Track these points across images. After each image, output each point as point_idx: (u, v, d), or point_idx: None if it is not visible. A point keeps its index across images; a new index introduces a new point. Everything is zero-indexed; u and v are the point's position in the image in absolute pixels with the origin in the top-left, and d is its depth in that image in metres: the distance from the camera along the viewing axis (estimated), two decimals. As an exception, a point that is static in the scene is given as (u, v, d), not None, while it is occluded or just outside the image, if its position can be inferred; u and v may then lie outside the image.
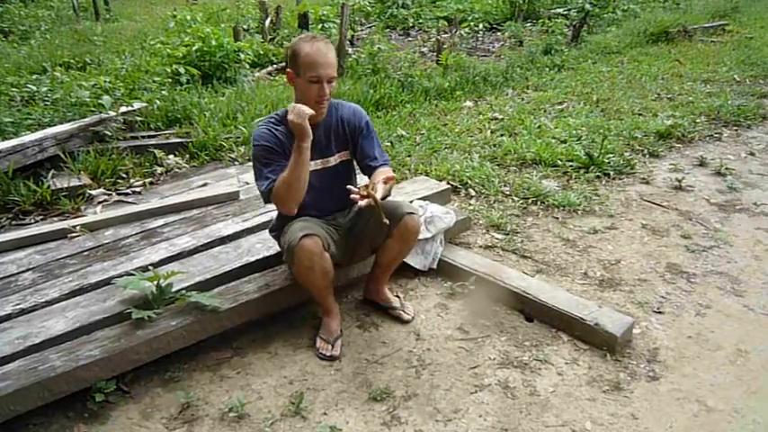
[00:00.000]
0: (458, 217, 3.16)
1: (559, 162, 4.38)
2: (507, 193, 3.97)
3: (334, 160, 2.49)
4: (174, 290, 2.54)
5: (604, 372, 2.37)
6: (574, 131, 4.99)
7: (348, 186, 2.20)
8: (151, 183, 3.75)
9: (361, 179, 2.47)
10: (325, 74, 2.26)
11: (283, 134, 2.35)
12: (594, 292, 2.90)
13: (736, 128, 5.27)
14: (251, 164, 4.18)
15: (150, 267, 2.66)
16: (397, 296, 2.79)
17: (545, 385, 2.31)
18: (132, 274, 2.55)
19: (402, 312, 2.68)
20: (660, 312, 2.75)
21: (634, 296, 2.87)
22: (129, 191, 3.61)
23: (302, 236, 2.26)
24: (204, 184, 3.70)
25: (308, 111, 2.22)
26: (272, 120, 2.41)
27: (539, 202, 3.83)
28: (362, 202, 2.10)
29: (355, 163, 2.56)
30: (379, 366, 2.41)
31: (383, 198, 2.22)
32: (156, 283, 2.48)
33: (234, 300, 2.51)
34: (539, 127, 5.17)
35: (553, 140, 4.79)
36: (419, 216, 2.46)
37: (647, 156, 4.69)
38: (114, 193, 3.58)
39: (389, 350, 2.50)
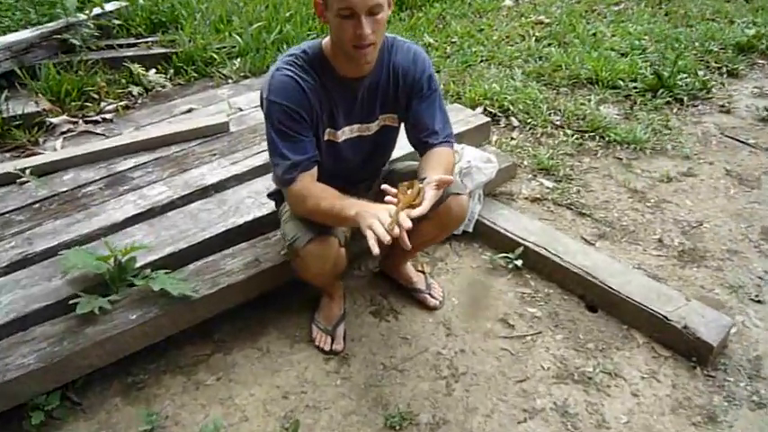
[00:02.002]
0: (501, 164, 2.49)
1: (620, 83, 3.61)
2: (558, 123, 3.25)
3: (375, 126, 1.77)
4: (138, 265, 1.98)
5: (693, 393, 1.81)
6: (636, 42, 4.15)
7: (384, 187, 1.53)
8: (126, 107, 3.09)
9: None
10: (362, 4, 1.45)
11: (314, 89, 1.61)
12: (673, 268, 2.29)
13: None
14: (245, 82, 3.52)
15: (108, 246, 2.08)
16: (422, 272, 2.20)
17: (616, 412, 1.76)
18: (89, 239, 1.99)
19: (428, 296, 2.11)
20: (759, 302, 2.14)
21: (724, 276, 2.25)
22: (98, 118, 2.97)
23: (311, 237, 1.65)
24: (189, 110, 3.04)
25: (385, 221, 1.42)
26: (298, 61, 1.61)
27: (597, 137, 3.13)
28: (395, 232, 1.40)
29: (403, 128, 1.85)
30: (398, 375, 1.87)
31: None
32: (113, 259, 1.92)
33: (213, 283, 1.94)
34: (593, 35, 4.33)
35: (612, 53, 3.97)
36: (467, 196, 1.80)
37: (725, 75, 3.87)
38: (81, 121, 2.94)
39: (412, 350, 1.95)
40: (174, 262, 2.03)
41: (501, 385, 1.83)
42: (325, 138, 1.69)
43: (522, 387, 1.83)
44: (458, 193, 1.73)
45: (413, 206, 1.45)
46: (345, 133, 1.71)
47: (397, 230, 1.37)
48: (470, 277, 2.24)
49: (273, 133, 1.60)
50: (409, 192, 1.52)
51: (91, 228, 2.18)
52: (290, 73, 1.59)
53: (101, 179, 2.49)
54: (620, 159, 2.98)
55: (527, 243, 2.24)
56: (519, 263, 2.22)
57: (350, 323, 2.04)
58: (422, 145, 1.74)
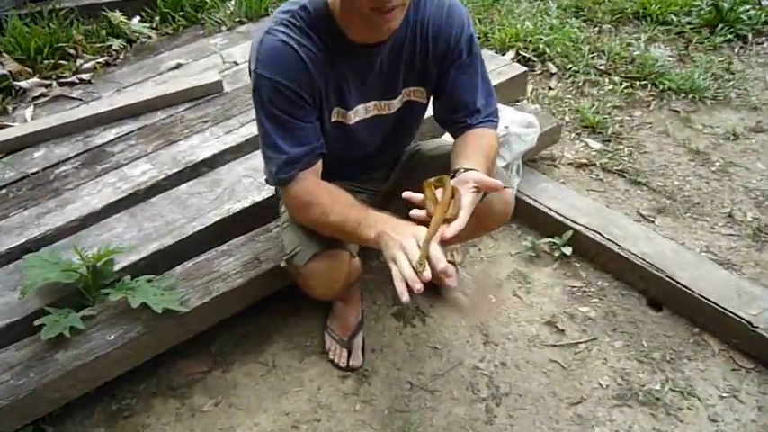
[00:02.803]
0: (543, 127, 2.10)
1: (673, 17, 3.12)
2: (602, 68, 2.82)
3: (397, 103, 1.37)
4: (117, 267, 1.67)
5: (786, 417, 1.50)
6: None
7: (406, 196, 1.17)
8: (106, 64, 2.71)
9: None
10: None
11: (317, 59, 1.22)
12: (748, 251, 1.93)
13: None
14: (241, 29, 3.08)
15: (79, 253, 1.77)
16: (452, 262, 1.87)
17: (693, 445, 1.46)
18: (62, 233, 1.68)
19: (460, 295, 1.79)
20: None
21: (811, 260, 1.90)
22: (75, 79, 2.59)
23: (316, 252, 1.32)
24: (177, 66, 2.64)
25: (413, 253, 1.06)
26: (296, 21, 1.21)
27: (649, 85, 2.70)
28: (425, 275, 1.03)
29: (431, 105, 1.45)
30: (428, 397, 1.58)
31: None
32: (88, 267, 1.61)
33: (205, 290, 1.63)
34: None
35: (661, -19, 3.44)
36: (513, 190, 1.41)
37: (793, 3, 3.35)
38: (54, 84, 2.57)
39: (443, 364, 1.65)
40: (159, 261, 1.72)
41: (552, 409, 1.54)
42: (333, 119, 1.32)
43: (576, 412, 1.53)
44: (504, 187, 1.36)
45: (447, 220, 1.11)
46: (359, 113, 1.34)
47: (427, 273, 1.03)
48: (509, 268, 1.91)
49: (264, 118, 1.24)
50: (439, 195, 1.17)
51: (64, 219, 1.87)
52: (284, 38, 1.20)
53: (76, 156, 2.15)
54: (677, 112, 2.57)
55: (577, 226, 1.89)
56: (567, 250, 1.88)
57: (369, 329, 1.74)
58: (457, 126, 1.37)
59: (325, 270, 1.33)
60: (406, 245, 1.06)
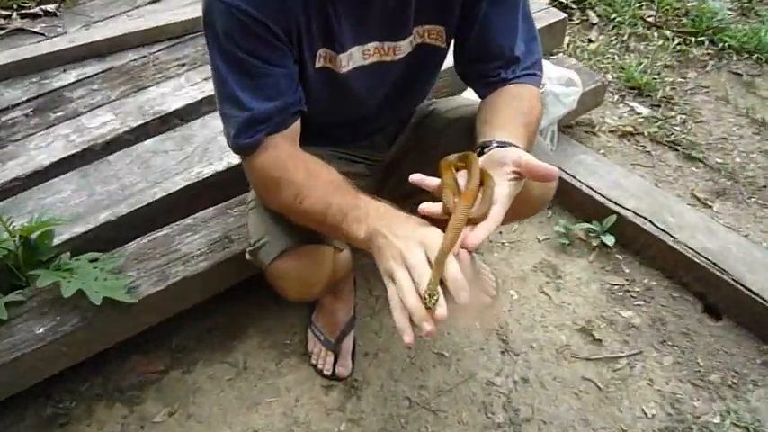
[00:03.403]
0: (585, 86, 1.74)
1: (736, -38, 2.68)
2: (651, 20, 2.42)
3: (406, 46, 1.01)
4: (58, 241, 1.37)
5: None
6: None
7: (414, 177, 0.83)
8: (76, -7, 2.34)
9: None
10: None
11: None
12: (828, 248, 1.59)
13: None
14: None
15: (4, 225, 1.46)
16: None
17: (762, 499, 1.16)
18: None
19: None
20: None
21: None
22: (38, 10, 2.23)
23: (287, 247, 0.99)
24: (157, -1, 2.28)
25: (420, 275, 0.73)
26: None
27: (706, 42, 2.30)
28: (439, 313, 0.70)
29: (453, 53, 1.08)
30: (430, 417, 1.28)
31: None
32: (16, 239, 1.30)
33: (161, 275, 1.32)
34: None
35: None
36: (557, 174, 1.05)
37: None
38: (15, 15, 2.22)
39: (451, 377, 1.35)
40: (109, 234, 1.41)
41: (584, 443, 1.24)
42: (317, 65, 0.97)
43: (615, 448, 1.23)
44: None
45: (471, 221, 0.77)
46: (354, 59, 0.99)
47: (442, 311, 0.70)
48: (536, 257, 1.58)
49: (220, 61, 0.90)
50: (462, 180, 0.83)
51: (5, 177, 1.55)
52: None
53: (29, 101, 1.82)
54: (739, 75, 2.18)
55: (622, 210, 1.55)
56: (609, 239, 1.55)
57: (362, 328, 1.43)
58: (487, 81, 1.01)
59: (298, 271, 1.02)
60: (410, 257, 0.74)
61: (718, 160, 1.85)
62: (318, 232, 0.95)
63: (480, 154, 0.86)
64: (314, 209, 0.87)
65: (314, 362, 1.36)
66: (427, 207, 0.78)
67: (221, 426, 1.28)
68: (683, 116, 2.00)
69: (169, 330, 1.43)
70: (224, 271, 1.36)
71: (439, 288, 0.71)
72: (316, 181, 0.89)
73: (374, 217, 0.81)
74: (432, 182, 0.82)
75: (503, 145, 0.84)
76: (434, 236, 0.75)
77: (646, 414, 1.27)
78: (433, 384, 1.33)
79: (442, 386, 1.33)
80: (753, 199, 1.73)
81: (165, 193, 1.48)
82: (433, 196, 0.82)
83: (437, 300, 0.70)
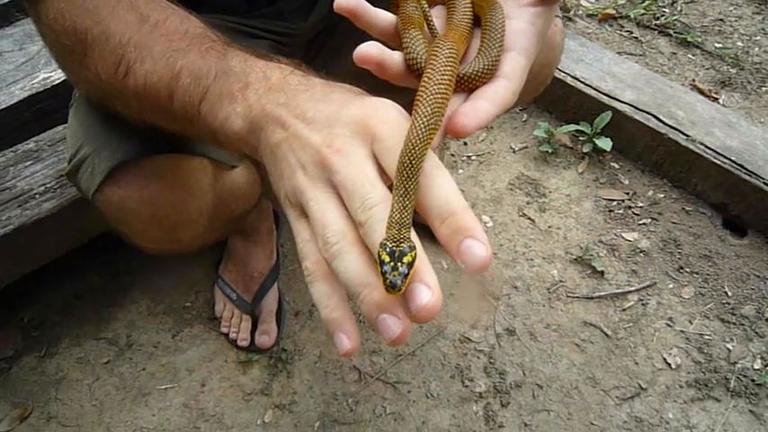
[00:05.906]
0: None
1: None
2: None
3: None
4: None
5: None
6: None
7: (360, 51, 0.38)
8: None
9: None
10: None
11: None
12: None
13: None
14: None
15: None
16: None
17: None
18: None
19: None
20: None
21: None
22: None
23: (114, 169, 0.58)
24: None
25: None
26: None
27: None
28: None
29: None
30: (388, 393, 0.94)
31: None
32: None
33: (-17, 225, 0.91)
34: None
35: None
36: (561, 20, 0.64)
37: None
38: None
39: (414, 336, 1.00)
40: None
41: (593, 410, 0.93)
42: None
43: (632, 412, 0.92)
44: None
45: (468, 81, 0.39)
46: None
47: (428, 292, 0.32)
48: (513, 172, 1.23)
49: None
50: (439, 13, 0.45)
51: None
52: None
53: None
54: (730, -54, 1.84)
55: (618, 104, 1.21)
56: (604, 143, 1.20)
57: (288, 279, 1.06)
58: None
59: (146, 204, 0.61)
60: (339, 167, 0.36)
61: (718, 45, 1.52)
62: (176, 134, 0.54)
63: None
64: (149, 82, 0.46)
65: (224, 330, 0.99)
66: (369, 52, 0.39)
67: (95, 428, 0.91)
68: (673, -7, 1.65)
69: (17, 301, 1.02)
70: (84, 214, 0.95)
71: (413, 235, 0.34)
72: (154, 33, 0.48)
73: (261, 87, 0.41)
74: (385, 19, 0.43)
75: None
76: (389, 117, 0.37)
77: (669, 364, 0.97)
78: (388, 348, 0.99)
79: (401, 349, 0.99)
80: (764, 88, 1.42)
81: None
82: (392, 88, 0.43)
83: (411, 262, 0.32)
